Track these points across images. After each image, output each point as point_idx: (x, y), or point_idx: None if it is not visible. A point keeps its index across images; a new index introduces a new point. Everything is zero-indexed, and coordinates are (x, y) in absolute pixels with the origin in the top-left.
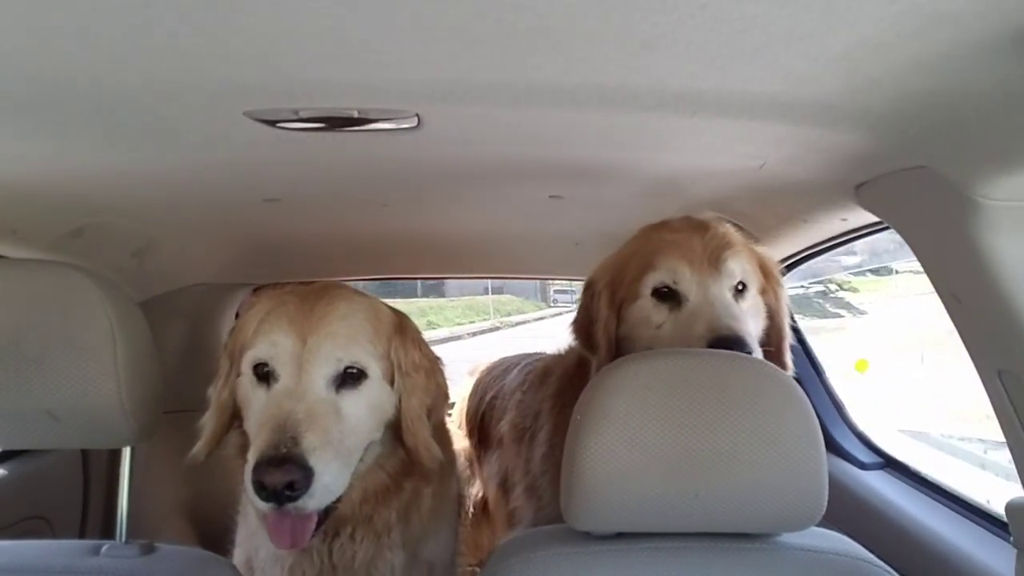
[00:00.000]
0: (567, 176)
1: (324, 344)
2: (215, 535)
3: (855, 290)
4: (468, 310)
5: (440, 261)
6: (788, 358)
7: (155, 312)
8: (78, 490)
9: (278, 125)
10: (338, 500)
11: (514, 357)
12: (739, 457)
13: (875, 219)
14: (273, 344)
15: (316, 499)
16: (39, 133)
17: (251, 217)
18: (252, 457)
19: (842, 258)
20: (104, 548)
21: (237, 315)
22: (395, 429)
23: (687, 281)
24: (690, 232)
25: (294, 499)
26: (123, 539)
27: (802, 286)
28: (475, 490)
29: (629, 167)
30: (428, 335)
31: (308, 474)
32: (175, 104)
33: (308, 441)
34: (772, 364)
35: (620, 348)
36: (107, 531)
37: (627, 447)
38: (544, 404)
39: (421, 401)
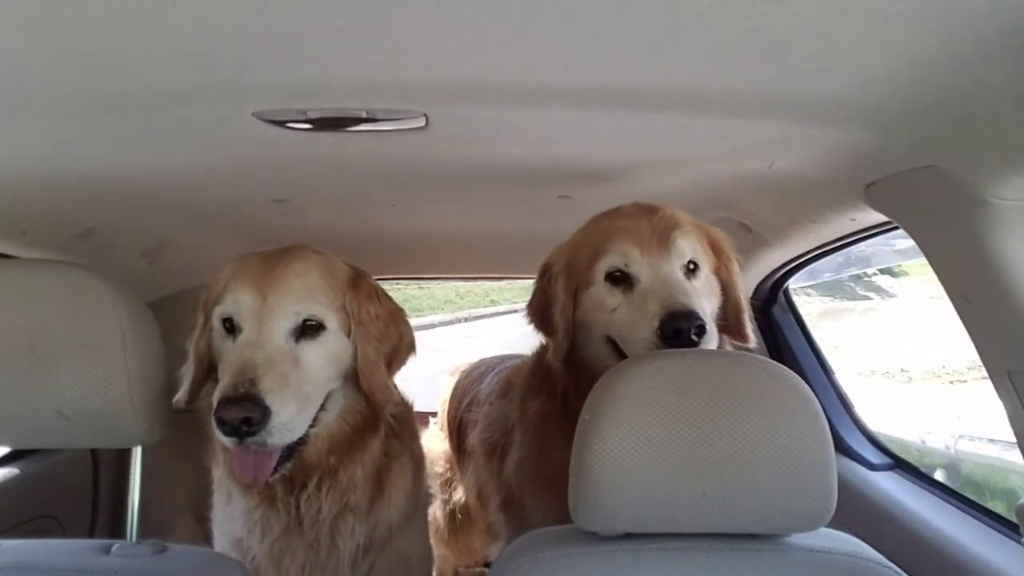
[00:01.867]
0: (575, 176)
1: (282, 300)
2: None
3: (905, 274)
4: (523, 291)
5: (449, 261)
6: (749, 330)
7: (165, 312)
8: (88, 490)
9: (287, 126)
10: (302, 443)
11: (493, 359)
12: (747, 458)
13: (885, 219)
14: (236, 301)
15: (275, 436)
16: (49, 134)
17: (260, 217)
18: (215, 397)
19: (897, 242)
20: (114, 547)
21: None
22: (356, 382)
23: (638, 263)
24: (639, 216)
25: (252, 434)
26: (133, 538)
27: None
28: (459, 495)
29: (638, 167)
30: (491, 310)
31: (265, 412)
32: (184, 105)
33: (265, 383)
34: (780, 364)
35: (576, 332)
36: (116, 531)
37: (635, 447)
38: (512, 417)
39: (377, 349)
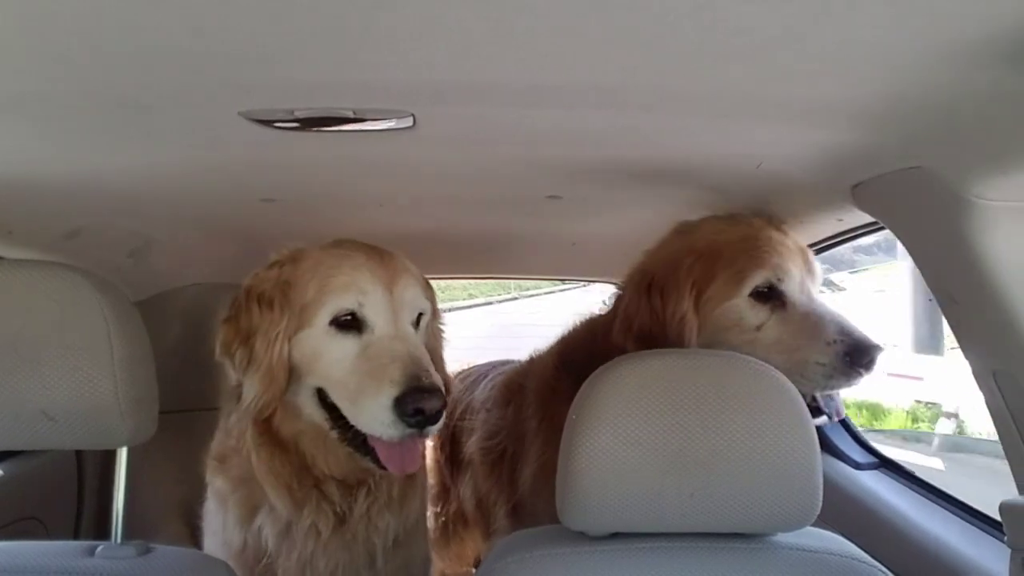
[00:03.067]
0: (564, 176)
1: (407, 294)
2: None
3: (864, 269)
4: (496, 286)
5: (436, 261)
6: None
7: (151, 312)
8: (72, 491)
9: (274, 125)
10: None
11: (482, 366)
12: (734, 457)
13: (871, 219)
14: (362, 295)
15: (440, 424)
16: (35, 134)
17: (247, 217)
18: (393, 389)
19: (859, 240)
20: (99, 549)
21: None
22: None
23: (791, 280)
24: (772, 228)
25: (434, 422)
26: (118, 540)
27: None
28: (452, 506)
29: (626, 167)
30: (469, 302)
31: (445, 402)
32: (171, 104)
33: (435, 375)
34: (766, 364)
35: None
36: (101, 532)
37: (622, 447)
38: (529, 423)
39: (442, 340)
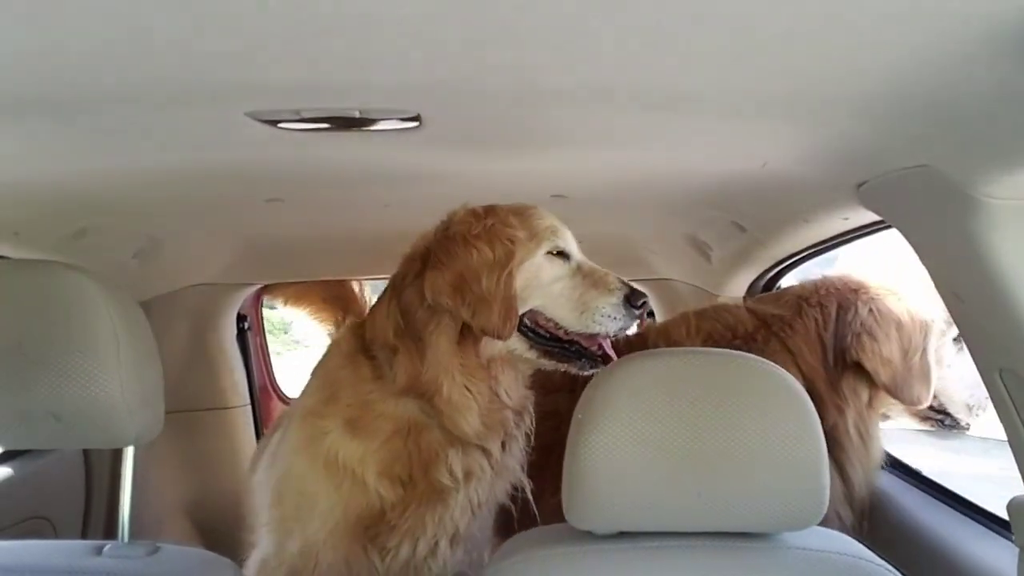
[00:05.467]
0: (569, 176)
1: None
2: (217, 535)
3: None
4: None
5: None
6: None
7: (157, 312)
8: (80, 490)
9: (280, 125)
10: None
11: None
12: (741, 456)
13: (877, 218)
14: (563, 231)
15: None
16: (41, 135)
17: (253, 217)
18: (621, 291)
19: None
20: (106, 548)
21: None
22: None
23: None
24: None
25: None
26: (126, 539)
27: None
28: None
29: (631, 167)
30: None
31: None
32: (177, 105)
33: None
34: (772, 363)
35: None
36: (109, 531)
37: (629, 446)
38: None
39: None
